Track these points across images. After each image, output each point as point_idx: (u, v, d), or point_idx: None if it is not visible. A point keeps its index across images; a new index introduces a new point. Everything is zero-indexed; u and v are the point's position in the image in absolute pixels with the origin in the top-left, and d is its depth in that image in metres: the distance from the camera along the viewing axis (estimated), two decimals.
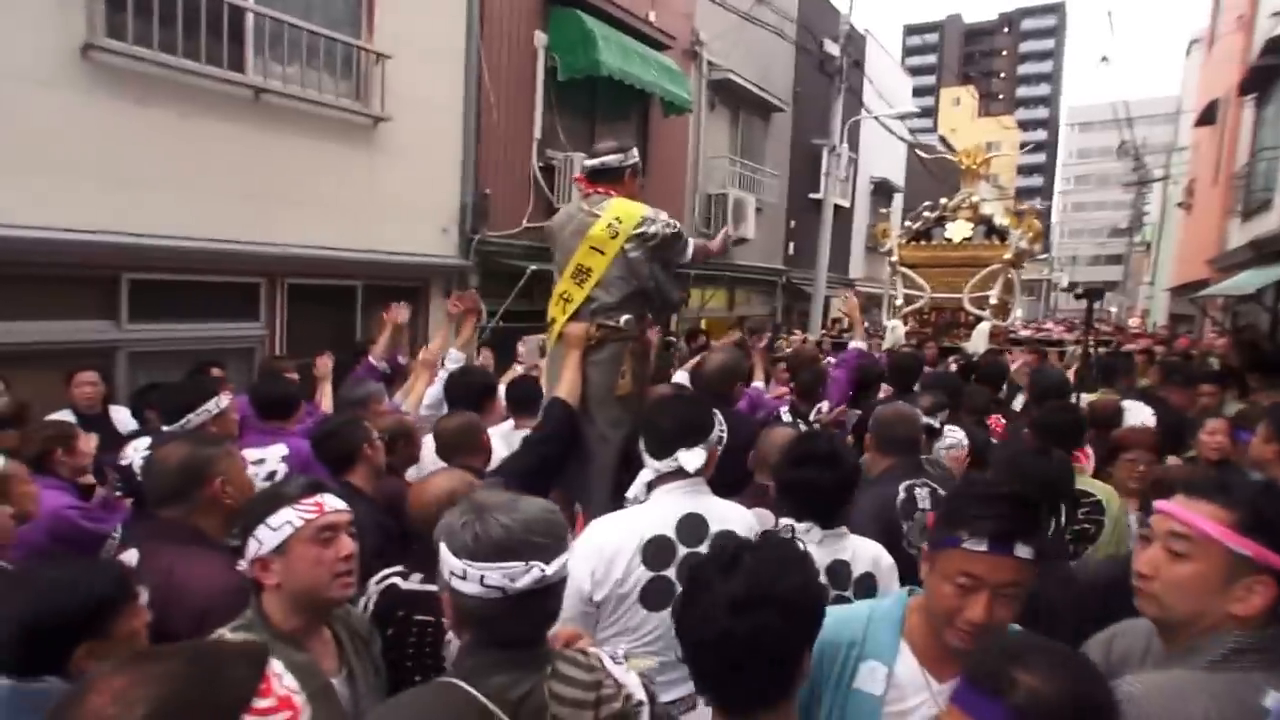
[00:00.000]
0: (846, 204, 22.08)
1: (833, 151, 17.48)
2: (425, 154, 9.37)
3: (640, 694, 1.82)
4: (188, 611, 2.20)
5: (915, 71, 42.14)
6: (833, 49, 17.20)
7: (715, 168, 16.02)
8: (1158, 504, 1.95)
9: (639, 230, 3.72)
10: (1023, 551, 1.80)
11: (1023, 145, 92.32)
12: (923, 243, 12.88)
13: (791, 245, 19.80)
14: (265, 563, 2.03)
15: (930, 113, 74.31)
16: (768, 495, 3.17)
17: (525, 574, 1.63)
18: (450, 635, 2.22)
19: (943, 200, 13.03)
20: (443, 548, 1.70)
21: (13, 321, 6.26)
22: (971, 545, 1.80)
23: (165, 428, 3.73)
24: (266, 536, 2.03)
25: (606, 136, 10.53)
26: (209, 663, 1.15)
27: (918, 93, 32.85)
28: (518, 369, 6.86)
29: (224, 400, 3.82)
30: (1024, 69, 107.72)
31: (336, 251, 8.36)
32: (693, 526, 2.60)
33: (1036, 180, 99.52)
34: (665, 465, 2.70)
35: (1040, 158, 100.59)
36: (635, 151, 4.01)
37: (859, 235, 24.58)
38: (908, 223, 13.52)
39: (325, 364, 5.84)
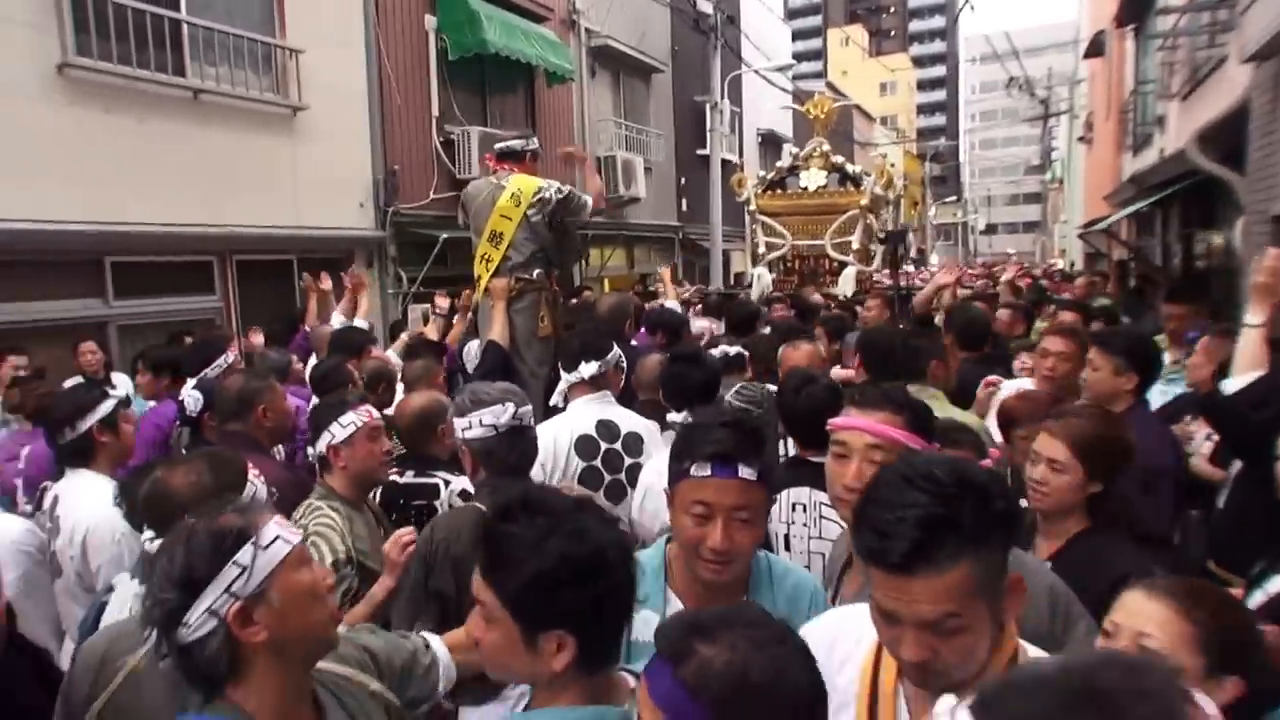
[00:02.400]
0: (735, 158, 24.39)
1: (715, 108, 19.73)
2: (339, 137, 11.43)
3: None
4: None
5: (799, 13, 43.06)
6: (706, 7, 19.51)
7: (601, 131, 18.22)
8: (842, 422, 2.43)
9: (537, 197, 5.40)
10: (746, 472, 2.05)
11: (919, 83, 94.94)
12: (779, 192, 14.46)
13: (684, 202, 22.14)
14: (336, 450, 3.13)
15: (819, 55, 75.77)
16: (648, 409, 4.32)
17: (504, 413, 2.90)
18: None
19: (794, 150, 14.89)
20: (454, 421, 2.99)
21: (15, 302, 8.18)
22: (696, 471, 2.06)
23: (190, 380, 5.04)
24: (338, 431, 3.14)
25: (499, 114, 12.82)
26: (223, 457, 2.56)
27: (804, 35, 34.51)
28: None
29: (231, 355, 5.32)
30: (916, 1, 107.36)
31: (272, 229, 10.40)
32: (607, 428, 3.85)
33: (939, 119, 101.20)
34: (573, 376, 3.96)
35: (941, 95, 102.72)
36: (535, 140, 5.92)
37: None
38: (761, 173, 15.11)
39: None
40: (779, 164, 14.95)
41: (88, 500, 3.26)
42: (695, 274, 22.04)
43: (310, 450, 3.36)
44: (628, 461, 3.85)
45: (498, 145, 5.85)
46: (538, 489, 1.84)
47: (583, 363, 3.95)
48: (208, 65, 9.69)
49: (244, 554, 1.59)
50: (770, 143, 28.99)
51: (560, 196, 5.52)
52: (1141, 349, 3.90)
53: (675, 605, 2.19)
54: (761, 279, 13.31)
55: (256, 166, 10.25)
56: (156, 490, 2.32)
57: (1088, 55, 23.37)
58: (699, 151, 22.01)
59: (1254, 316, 3.70)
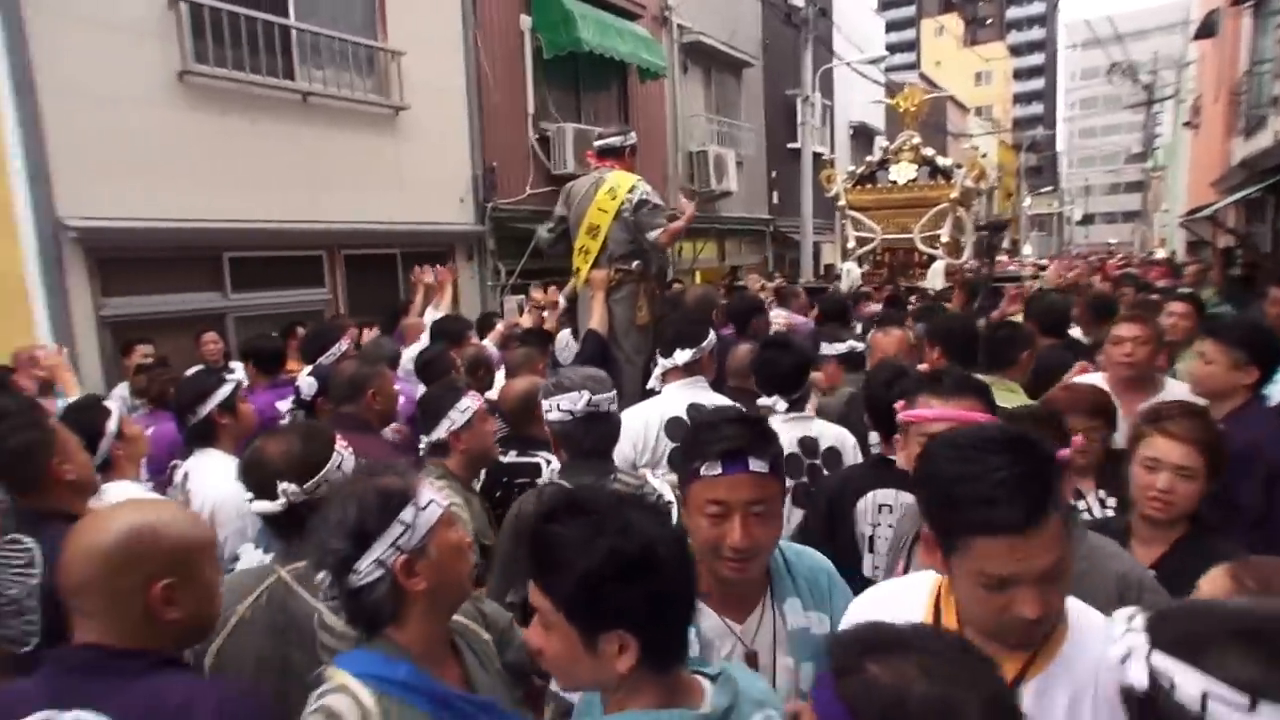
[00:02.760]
0: (826, 151, 24.23)
1: (805, 101, 19.77)
2: (439, 135, 11.81)
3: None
4: None
5: (893, 4, 42.82)
6: (798, 0, 19.53)
7: (693, 126, 18.37)
8: (932, 413, 2.48)
9: (630, 194, 5.62)
10: (757, 465, 2.02)
11: (1016, 72, 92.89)
12: (869, 186, 14.48)
13: (775, 195, 22.21)
14: (457, 434, 3.43)
15: (912, 46, 74.71)
16: (738, 395, 4.49)
17: (580, 399, 3.03)
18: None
19: (884, 144, 14.85)
20: (541, 403, 3.17)
21: (142, 295, 8.67)
22: (707, 471, 2.03)
23: (308, 365, 5.29)
24: (457, 416, 3.42)
25: (593, 110, 13.04)
26: (312, 430, 2.79)
27: (897, 25, 34.37)
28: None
29: (345, 343, 5.71)
30: None
31: (377, 225, 10.81)
32: (698, 411, 3.94)
33: (1036, 108, 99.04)
34: (668, 362, 4.16)
35: (1039, 83, 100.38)
36: (633, 134, 6.14)
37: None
38: (852, 167, 15.06)
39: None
40: (868, 158, 14.93)
41: (214, 477, 3.51)
42: (785, 266, 22.08)
43: (425, 437, 3.56)
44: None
45: (597, 142, 6.07)
46: (586, 489, 1.73)
47: (678, 349, 4.14)
48: (314, 68, 10.11)
49: (407, 513, 1.82)
50: (862, 135, 28.84)
51: (642, 198, 5.67)
52: (1263, 340, 3.73)
53: (705, 612, 2.10)
54: (850, 273, 13.39)
55: (361, 164, 10.65)
56: (253, 458, 2.57)
57: (1198, 36, 22.74)
58: (790, 145, 22.00)
59: None
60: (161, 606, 1.79)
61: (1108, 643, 1.32)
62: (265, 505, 2.44)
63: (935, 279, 12.40)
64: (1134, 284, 10.71)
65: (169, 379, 5.60)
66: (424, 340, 6.23)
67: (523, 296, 11.52)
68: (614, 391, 3.22)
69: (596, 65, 14.40)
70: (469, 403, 3.50)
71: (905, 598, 1.98)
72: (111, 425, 3.53)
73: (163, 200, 8.48)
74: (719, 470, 2.02)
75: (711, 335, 4.29)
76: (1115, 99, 67.40)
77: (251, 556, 2.86)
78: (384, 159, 10.99)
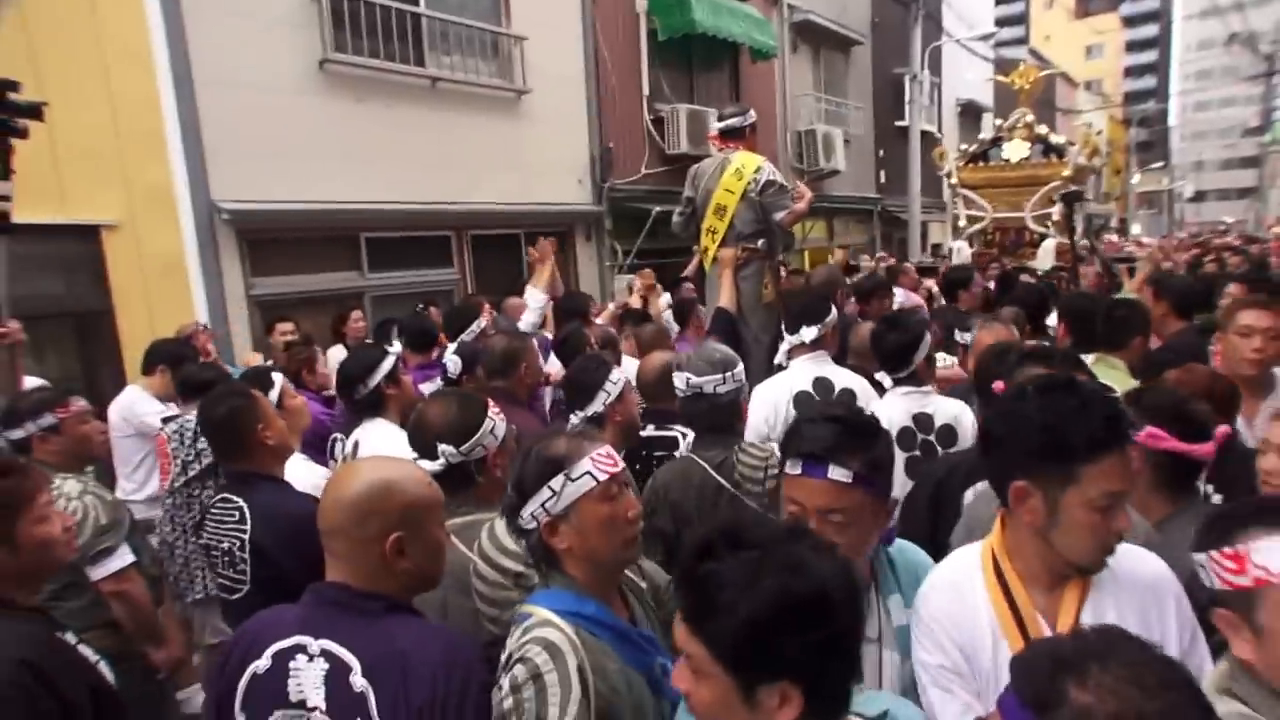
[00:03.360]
0: (934, 129, 24.08)
1: (914, 80, 19.60)
2: (559, 117, 12.09)
3: None
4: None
5: None
6: None
7: (802, 105, 18.38)
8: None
9: (756, 174, 5.73)
10: (839, 474, 1.95)
11: (1129, 44, 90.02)
12: (980, 164, 14.35)
13: (883, 174, 22.07)
14: (613, 407, 3.52)
15: (1021, 20, 72.95)
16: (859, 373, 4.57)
17: (680, 379, 3.31)
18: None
19: (997, 121, 14.78)
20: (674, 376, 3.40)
21: (288, 275, 9.12)
22: (790, 469, 2.03)
23: (450, 344, 5.50)
24: (611, 389, 3.53)
25: (705, 91, 13.20)
26: (468, 398, 2.90)
27: None
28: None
29: (484, 321, 5.77)
30: None
31: (500, 206, 11.16)
32: (822, 385, 4.17)
33: (1149, 81, 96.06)
34: (794, 339, 4.30)
35: (1152, 55, 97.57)
36: (753, 113, 6.19)
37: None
38: (963, 145, 14.96)
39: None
40: (981, 136, 14.89)
41: (386, 444, 3.71)
42: (893, 246, 21.95)
43: (580, 411, 3.60)
44: None
45: (719, 124, 6.15)
46: (744, 518, 1.59)
47: (803, 326, 4.29)
48: (443, 55, 10.45)
49: (556, 481, 1.97)
50: (970, 113, 28.42)
51: (773, 179, 5.79)
52: None
53: None
54: (961, 252, 13.28)
55: (486, 147, 10.98)
56: (416, 422, 2.81)
57: None
58: (898, 123, 21.77)
59: None
60: (394, 556, 1.96)
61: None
62: (427, 465, 2.59)
63: (1045, 258, 12.29)
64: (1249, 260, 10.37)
65: (307, 357, 5.93)
66: (526, 319, 6.21)
67: (632, 276, 11.71)
68: (726, 373, 3.31)
69: (709, 46, 14.54)
70: (619, 375, 3.59)
71: (963, 571, 2.05)
72: (274, 395, 3.79)
73: (305, 184, 8.90)
74: (799, 471, 2.01)
75: (834, 312, 4.43)
76: (1233, 70, 65.08)
77: None
78: (507, 142, 11.32)
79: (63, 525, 2.49)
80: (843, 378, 4.27)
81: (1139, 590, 1.93)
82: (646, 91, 13.73)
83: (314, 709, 1.86)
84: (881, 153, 22.02)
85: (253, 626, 2.02)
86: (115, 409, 5.41)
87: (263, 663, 1.91)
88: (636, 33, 13.59)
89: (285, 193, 8.72)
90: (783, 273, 7.42)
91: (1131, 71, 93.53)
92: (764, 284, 5.96)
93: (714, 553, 1.45)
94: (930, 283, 9.91)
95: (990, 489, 2.20)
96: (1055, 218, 13.25)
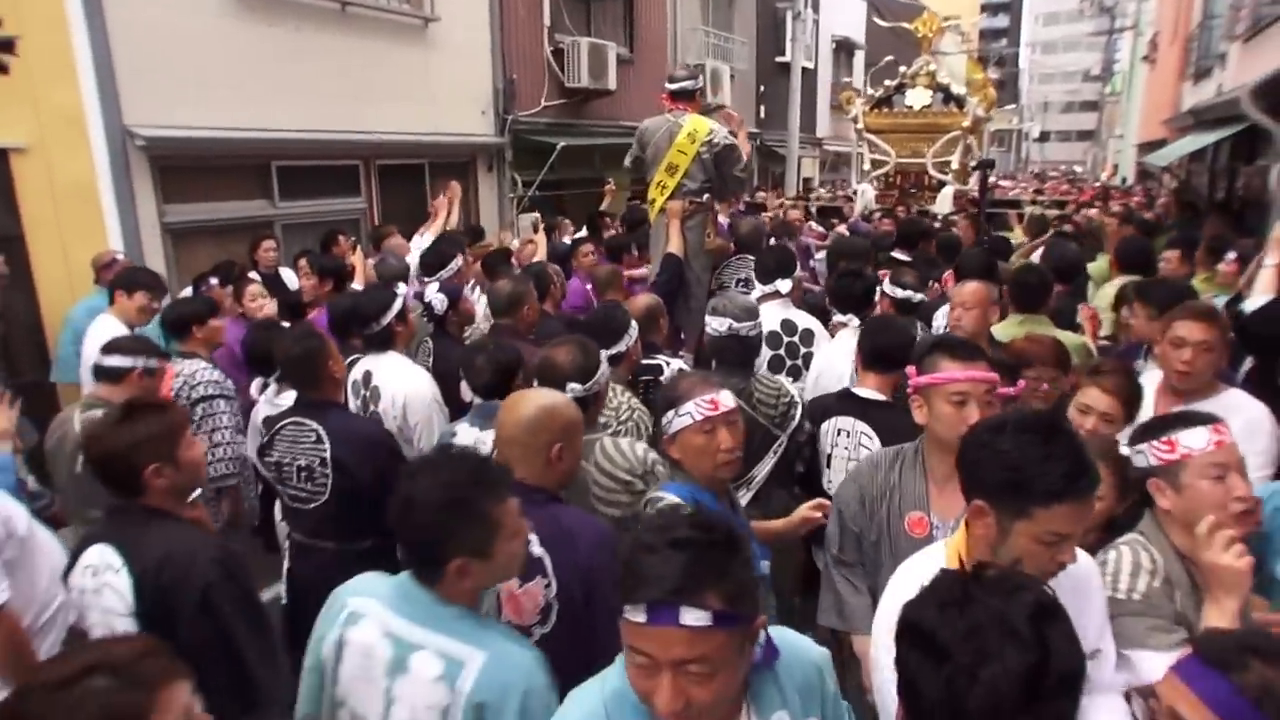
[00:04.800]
0: (811, 65, 24.55)
1: (798, 17, 19.90)
2: (465, 47, 12.02)
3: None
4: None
5: None
6: None
7: (691, 39, 18.52)
8: (943, 377, 2.81)
9: (708, 138, 6.22)
10: (694, 618, 1.50)
11: None
12: (885, 110, 14.92)
13: (762, 109, 22.45)
14: (629, 349, 4.01)
15: None
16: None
17: (724, 324, 3.94)
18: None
19: (901, 68, 15.25)
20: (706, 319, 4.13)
21: (200, 203, 8.93)
22: (632, 615, 1.55)
23: (428, 279, 5.76)
24: (626, 340, 3.97)
25: (601, 24, 13.34)
26: (587, 345, 3.45)
27: None
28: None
29: (459, 261, 5.97)
30: None
31: (407, 136, 11.07)
32: (789, 325, 5.00)
33: (1002, 21, 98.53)
34: (769, 288, 5.14)
35: None
36: (701, 78, 6.54)
37: (824, 95, 27.24)
38: (870, 91, 15.52)
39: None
40: (887, 81, 15.37)
41: (400, 375, 4.30)
42: (769, 180, 22.48)
43: (606, 350, 3.82)
44: (803, 351, 4.99)
45: (671, 86, 6.48)
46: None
47: (779, 279, 5.17)
48: None
49: (669, 414, 2.78)
50: (844, 49, 29.04)
51: (726, 143, 6.30)
52: None
53: None
54: (865, 194, 13.83)
55: (394, 76, 10.87)
56: (547, 364, 3.24)
57: None
58: (778, 59, 22.24)
59: (1270, 259, 4.88)
60: (555, 460, 2.62)
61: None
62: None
63: (944, 203, 12.95)
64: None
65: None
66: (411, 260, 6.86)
67: (536, 215, 11.94)
68: (754, 319, 4.03)
69: None
70: (633, 322, 4.12)
71: (930, 569, 1.79)
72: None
73: (218, 110, 8.70)
74: (642, 619, 1.54)
75: (799, 268, 5.35)
76: (1076, 15, 67.02)
77: (468, 434, 3.53)
78: (414, 71, 11.22)
79: (200, 450, 2.94)
80: (803, 319, 5.09)
81: (1071, 584, 2.16)
82: (547, 23, 13.69)
83: None
84: (762, 88, 22.37)
85: None
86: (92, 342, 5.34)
87: None
88: None
89: (198, 118, 8.50)
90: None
91: (986, 8, 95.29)
92: (705, 233, 6.52)
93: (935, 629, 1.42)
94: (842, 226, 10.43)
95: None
96: (954, 165, 13.94)
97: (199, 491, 3.19)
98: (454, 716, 2.01)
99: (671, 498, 2.61)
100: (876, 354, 3.77)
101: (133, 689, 1.54)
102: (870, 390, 3.75)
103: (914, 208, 13.06)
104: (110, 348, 4.10)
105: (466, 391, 3.64)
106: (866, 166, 14.81)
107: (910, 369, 2.97)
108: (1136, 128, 29.51)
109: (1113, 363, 3.66)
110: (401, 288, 4.72)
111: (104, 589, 2.57)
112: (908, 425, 3.05)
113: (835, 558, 3.11)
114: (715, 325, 4.00)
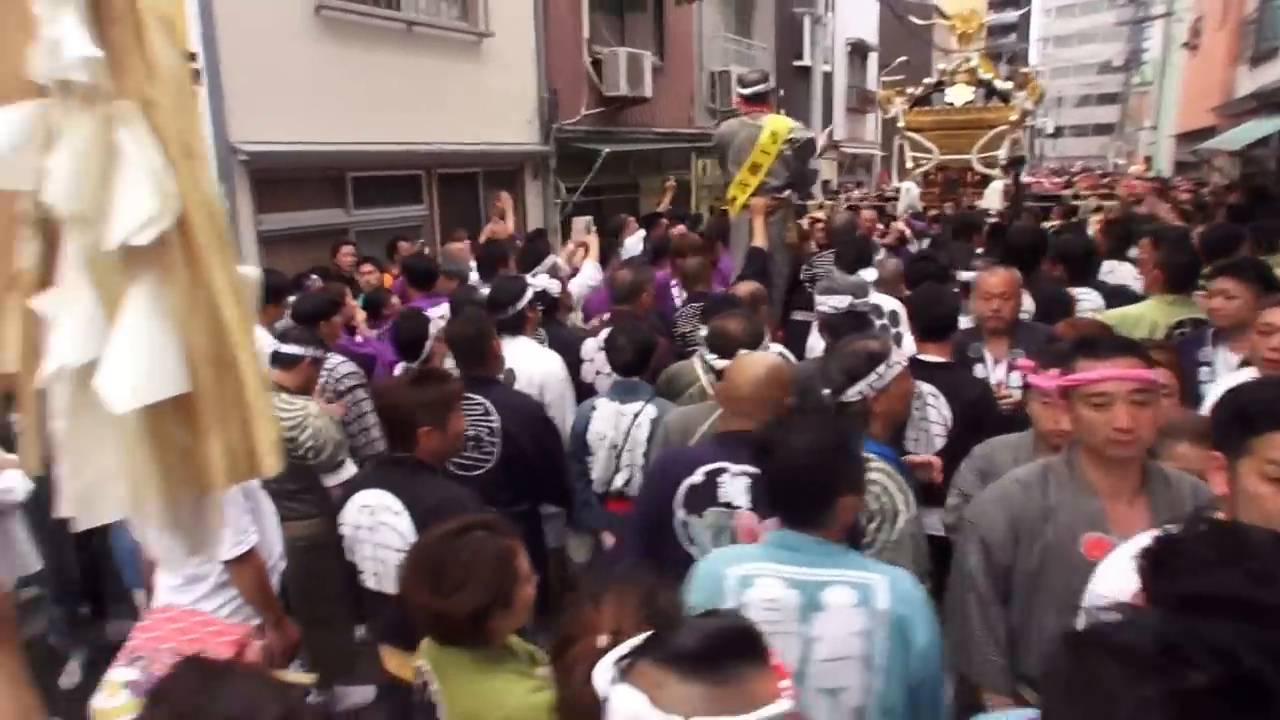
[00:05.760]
0: (829, 68, 25.12)
1: (817, 22, 20.70)
2: (513, 60, 12.93)
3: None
4: None
5: None
6: None
7: (714, 46, 19.29)
8: (1091, 374, 2.45)
9: (790, 136, 6.73)
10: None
11: None
12: (924, 108, 14.66)
13: (782, 112, 23.04)
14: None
15: None
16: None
17: (844, 301, 4.60)
18: None
19: (940, 66, 15.17)
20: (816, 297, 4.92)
21: (284, 212, 9.81)
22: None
23: (529, 276, 5.72)
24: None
25: (634, 35, 14.27)
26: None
27: None
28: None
29: (552, 258, 6.78)
30: None
31: (465, 146, 11.99)
32: (877, 309, 5.11)
33: (1009, 15, 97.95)
34: (853, 278, 5.24)
35: None
36: (772, 79, 7.23)
37: (839, 97, 27.95)
38: (910, 90, 15.08)
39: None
40: (925, 80, 15.12)
41: (534, 357, 4.71)
42: None
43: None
44: (893, 330, 5.22)
45: (744, 90, 7.02)
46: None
47: (859, 269, 5.59)
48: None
49: (880, 367, 3.08)
50: (858, 51, 29.61)
51: (807, 137, 6.93)
52: None
53: None
54: (910, 193, 13.88)
55: (452, 90, 11.77)
56: (717, 330, 3.75)
57: None
58: (795, 63, 22.91)
59: None
60: (781, 409, 2.89)
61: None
62: (723, 363, 3.53)
63: (993, 198, 12.77)
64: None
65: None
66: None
67: (589, 218, 12.75)
68: (869, 296, 4.69)
69: None
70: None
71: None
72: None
73: (304, 126, 9.56)
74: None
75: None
76: (1095, 6, 66.27)
77: (609, 407, 4.12)
78: (470, 84, 12.11)
79: (463, 425, 3.43)
80: (889, 302, 5.35)
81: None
82: (586, 35, 14.56)
83: (738, 507, 2.85)
84: (781, 92, 23.08)
85: (670, 458, 3.18)
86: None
87: (696, 479, 2.91)
88: None
89: (287, 133, 9.35)
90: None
91: (994, 4, 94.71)
92: (786, 228, 7.03)
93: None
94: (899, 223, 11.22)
95: (1011, 441, 3.31)
96: (1001, 160, 13.66)
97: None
98: (878, 635, 2.21)
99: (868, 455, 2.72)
100: (933, 325, 4.13)
101: (503, 536, 2.25)
102: (933, 355, 4.06)
103: (963, 204, 13.08)
104: (285, 337, 4.48)
105: (588, 373, 4.31)
106: (909, 165, 14.54)
107: (1024, 363, 3.31)
108: (1175, 117, 28.69)
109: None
110: (535, 278, 5.36)
111: (379, 527, 3.05)
112: (968, 383, 3.85)
113: (980, 596, 2.65)
114: (833, 303, 4.55)
